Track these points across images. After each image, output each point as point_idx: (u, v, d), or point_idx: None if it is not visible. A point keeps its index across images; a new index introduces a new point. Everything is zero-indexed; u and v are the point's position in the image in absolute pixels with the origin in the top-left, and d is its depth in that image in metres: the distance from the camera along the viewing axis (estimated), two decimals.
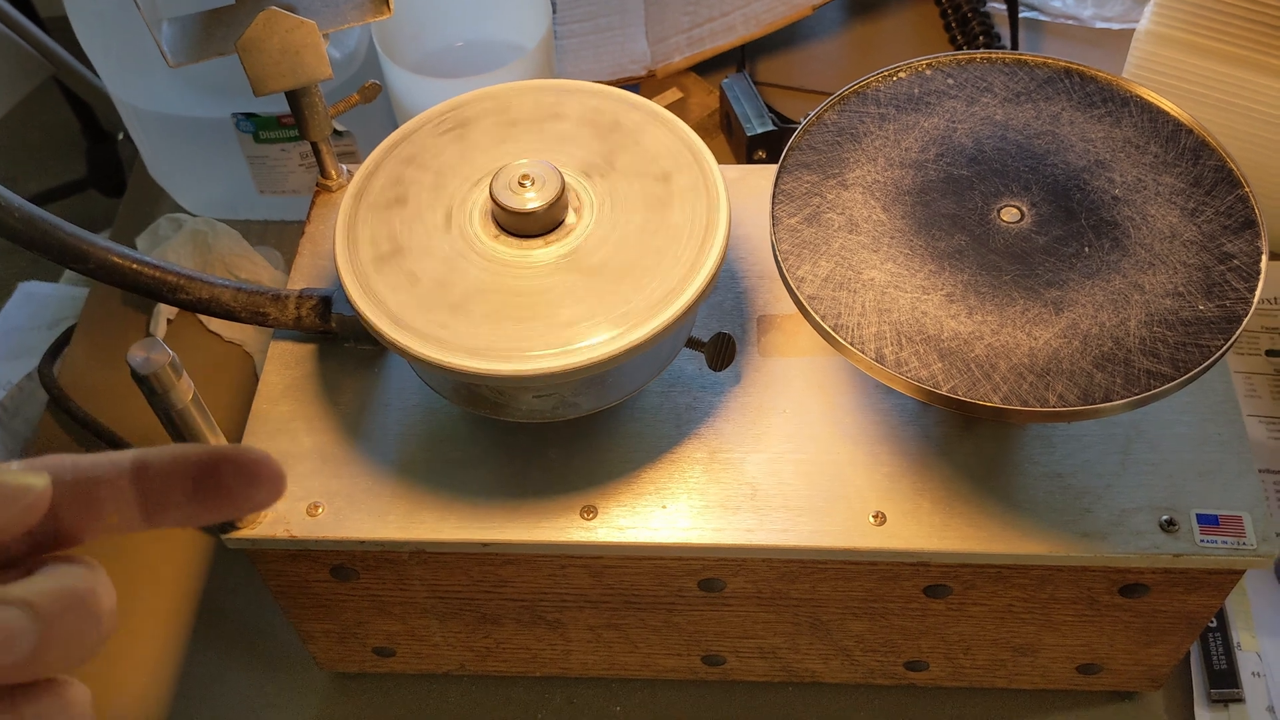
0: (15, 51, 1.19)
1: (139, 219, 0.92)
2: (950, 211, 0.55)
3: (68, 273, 1.17)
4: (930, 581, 0.57)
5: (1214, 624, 0.67)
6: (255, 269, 0.84)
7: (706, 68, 0.95)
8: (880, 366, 0.50)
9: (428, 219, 0.57)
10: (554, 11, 0.98)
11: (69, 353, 0.86)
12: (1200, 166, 0.56)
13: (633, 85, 0.93)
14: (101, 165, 1.51)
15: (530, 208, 0.55)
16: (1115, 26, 0.99)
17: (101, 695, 0.70)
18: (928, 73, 0.60)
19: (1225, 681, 0.66)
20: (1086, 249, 0.53)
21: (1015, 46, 0.95)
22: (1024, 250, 0.53)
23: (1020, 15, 0.97)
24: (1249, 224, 0.54)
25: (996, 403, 0.48)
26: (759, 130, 0.83)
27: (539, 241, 0.55)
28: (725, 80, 0.88)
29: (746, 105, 0.85)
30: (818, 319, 0.52)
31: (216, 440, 0.50)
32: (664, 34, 0.95)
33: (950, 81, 0.60)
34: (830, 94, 0.60)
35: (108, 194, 1.54)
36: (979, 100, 0.59)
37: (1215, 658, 0.66)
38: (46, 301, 1.12)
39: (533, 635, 0.63)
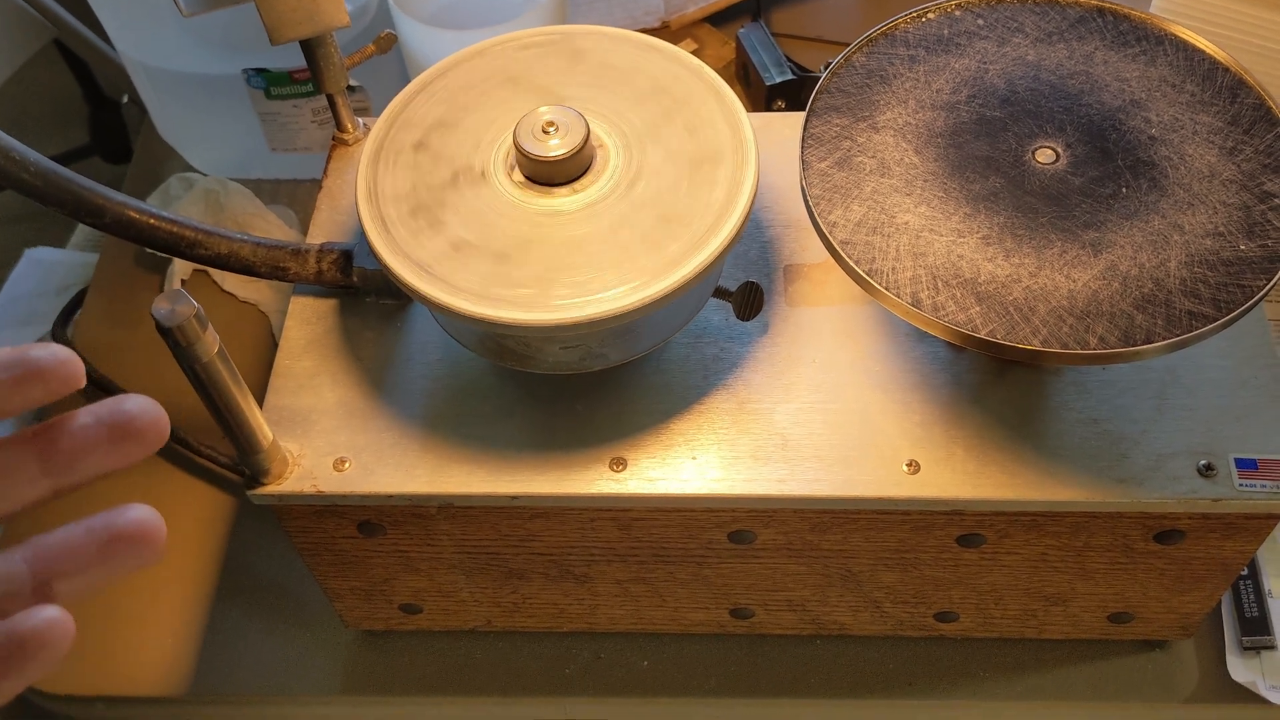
0: (16, 15, 1.18)
1: (148, 181, 0.91)
2: (984, 154, 0.54)
3: (74, 238, 1.16)
4: (964, 531, 0.56)
5: (1245, 572, 0.67)
6: (269, 227, 0.83)
7: (721, 18, 0.94)
8: (917, 311, 0.49)
9: (451, 166, 0.56)
10: None
11: (82, 314, 0.85)
12: (1238, 105, 0.55)
13: None
14: (105, 131, 1.49)
15: (554, 155, 0.54)
16: None
17: (125, 654, 0.69)
18: (957, 14, 0.59)
19: (1257, 629, 0.65)
20: (1124, 190, 0.52)
21: None
22: (1060, 192, 0.52)
23: None
24: None
25: (1036, 346, 0.48)
26: (778, 80, 0.82)
27: (565, 189, 0.54)
28: (741, 30, 0.87)
29: (764, 54, 0.84)
30: (851, 264, 0.51)
31: (243, 393, 0.49)
32: None
33: (980, 22, 0.59)
34: (847, 43, 0.59)
35: (111, 160, 1.52)
36: (1010, 41, 0.58)
37: (1247, 605, 0.66)
38: (53, 268, 1.11)
39: (560, 590, 0.63)
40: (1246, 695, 0.64)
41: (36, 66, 1.31)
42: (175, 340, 0.46)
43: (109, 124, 1.49)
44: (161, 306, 0.45)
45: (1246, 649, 0.65)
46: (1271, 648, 0.65)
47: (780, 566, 0.60)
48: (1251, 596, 0.66)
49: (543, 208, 0.54)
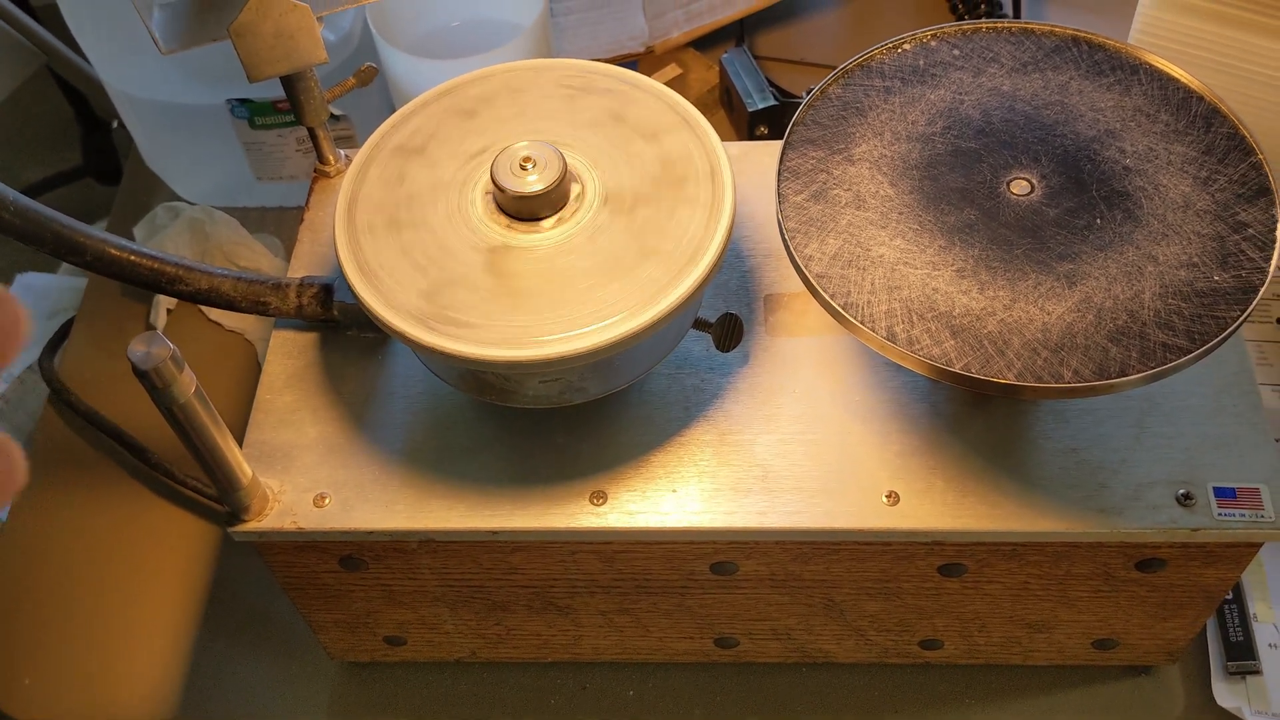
0: (7, 41, 1.18)
1: (135, 208, 0.91)
2: (959, 185, 0.54)
3: (65, 263, 1.16)
4: (945, 561, 0.56)
5: (1230, 596, 0.67)
6: (254, 257, 0.83)
7: (705, 43, 0.94)
8: (892, 345, 0.49)
9: (429, 201, 0.56)
10: None
11: (69, 345, 0.85)
12: (1212, 134, 0.55)
13: (631, 62, 0.92)
14: (97, 153, 1.49)
15: (531, 190, 0.54)
16: None
17: (110, 683, 0.69)
18: (932, 44, 0.59)
19: (1242, 654, 0.65)
20: (1098, 221, 0.52)
21: (1018, 16, 0.94)
22: (1035, 223, 0.52)
23: None
24: (1263, 192, 0.53)
25: (1011, 379, 0.48)
26: (760, 106, 0.82)
27: (543, 224, 0.55)
28: (725, 55, 0.87)
29: (747, 80, 0.84)
30: (827, 298, 0.51)
31: (222, 434, 0.49)
32: (661, 9, 0.94)
33: (955, 52, 0.59)
34: (831, 67, 0.59)
35: (104, 182, 1.52)
36: (985, 71, 0.58)
37: (1232, 630, 0.66)
38: (45, 292, 1.12)
39: (544, 621, 0.63)
40: None
41: (31, 88, 1.31)
42: (151, 382, 0.46)
43: (101, 146, 1.50)
44: (137, 350, 0.45)
45: (1232, 674, 0.65)
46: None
47: (763, 596, 0.60)
48: (1236, 621, 0.66)
49: (521, 242, 0.54)
